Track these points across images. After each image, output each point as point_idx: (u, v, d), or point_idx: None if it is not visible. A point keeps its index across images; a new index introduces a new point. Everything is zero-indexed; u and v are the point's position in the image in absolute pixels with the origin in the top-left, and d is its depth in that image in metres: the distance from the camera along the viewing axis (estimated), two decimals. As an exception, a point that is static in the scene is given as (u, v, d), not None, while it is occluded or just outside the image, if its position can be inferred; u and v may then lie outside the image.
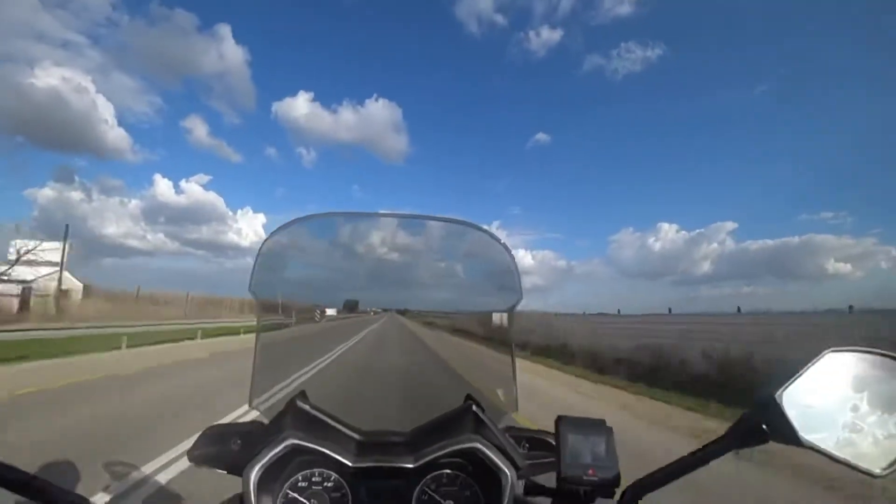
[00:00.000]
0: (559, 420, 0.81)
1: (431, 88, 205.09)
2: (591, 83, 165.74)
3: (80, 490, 0.70)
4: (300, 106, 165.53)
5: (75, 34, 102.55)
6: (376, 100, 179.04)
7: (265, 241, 1.04)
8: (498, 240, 1.07)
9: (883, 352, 0.77)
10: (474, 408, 0.90)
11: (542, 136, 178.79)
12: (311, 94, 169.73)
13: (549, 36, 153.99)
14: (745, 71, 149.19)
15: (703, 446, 0.70)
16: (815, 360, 0.71)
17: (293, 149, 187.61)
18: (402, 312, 2.24)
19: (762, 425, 0.66)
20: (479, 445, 0.82)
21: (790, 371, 0.70)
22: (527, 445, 0.92)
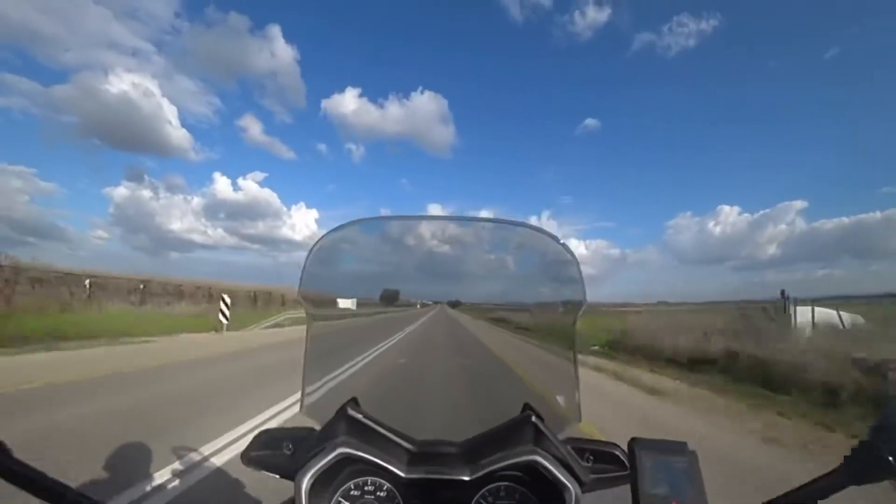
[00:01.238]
0: (633, 442, 0.74)
1: (476, 77, 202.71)
2: (642, 63, 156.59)
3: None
4: (348, 102, 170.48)
5: (143, 41, 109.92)
6: (421, 92, 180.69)
7: (316, 242, 1.04)
8: (557, 240, 1.02)
9: None
10: (533, 418, 0.84)
11: (590, 122, 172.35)
12: (359, 90, 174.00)
13: (595, 16, 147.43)
14: (813, 37, 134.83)
15: (815, 479, 0.61)
16: None
17: (343, 144, 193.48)
18: (454, 305, 2.13)
19: (888, 456, 0.55)
20: (539, 458, 0.77)
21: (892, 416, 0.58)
22: (591, 458, 0.86)
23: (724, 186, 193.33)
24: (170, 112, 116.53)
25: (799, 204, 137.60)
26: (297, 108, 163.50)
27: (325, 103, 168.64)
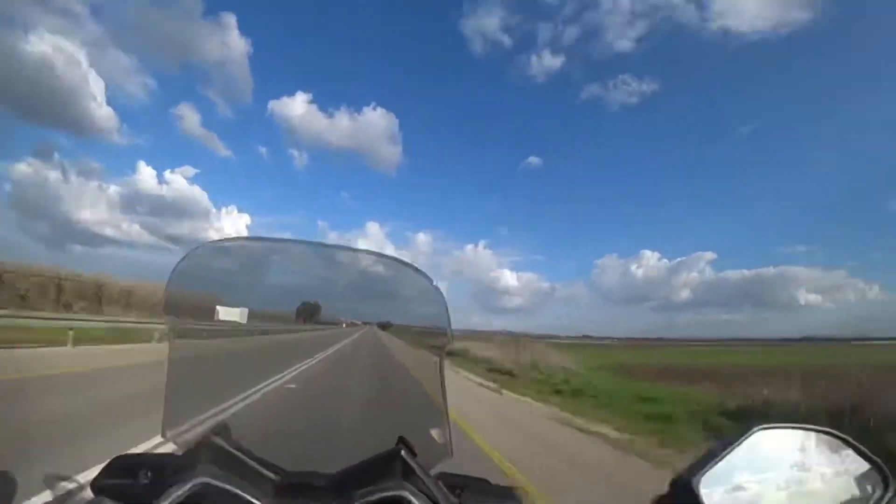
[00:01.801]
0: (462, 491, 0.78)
1: (430, 102, 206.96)
2: (587, 112, 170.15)
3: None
4: (297, 106, 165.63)
5: (77, 3, 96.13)
6: (374, 108, 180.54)
7: (182, 259, 0.99)
8: (431, 280, 1.06)
9: (816, 427, 0.75)
10: (403, 452, 0.83)
11: (534, 160, 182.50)
12: (310, 96, 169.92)
13: (551, 62, 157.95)
14: (731, 112, 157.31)
15: None
16: (742, 438, 0.68)
17: (286, 149, 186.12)
18: (384, 326, 2.11)
19: (700, 497, 0.62)
20: (406, 494, 0.76)
21: (716, 451, 0.66)
22: (460, 492, 0.87)
23: (648, 233, 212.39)
24: (96, 86, 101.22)
25: (710, 255, 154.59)
26: (242, 104, 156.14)
27: (272, 104, 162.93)
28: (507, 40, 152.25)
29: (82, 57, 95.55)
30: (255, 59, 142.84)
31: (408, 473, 0.81)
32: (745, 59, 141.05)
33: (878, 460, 0.74)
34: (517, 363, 17.48)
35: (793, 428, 0.74)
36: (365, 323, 2.21)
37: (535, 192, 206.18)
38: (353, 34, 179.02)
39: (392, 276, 1.17)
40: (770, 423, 0.71)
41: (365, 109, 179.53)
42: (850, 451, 0.75)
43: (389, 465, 0.83)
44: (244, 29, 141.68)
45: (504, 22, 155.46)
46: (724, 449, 0.67)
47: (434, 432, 1.10)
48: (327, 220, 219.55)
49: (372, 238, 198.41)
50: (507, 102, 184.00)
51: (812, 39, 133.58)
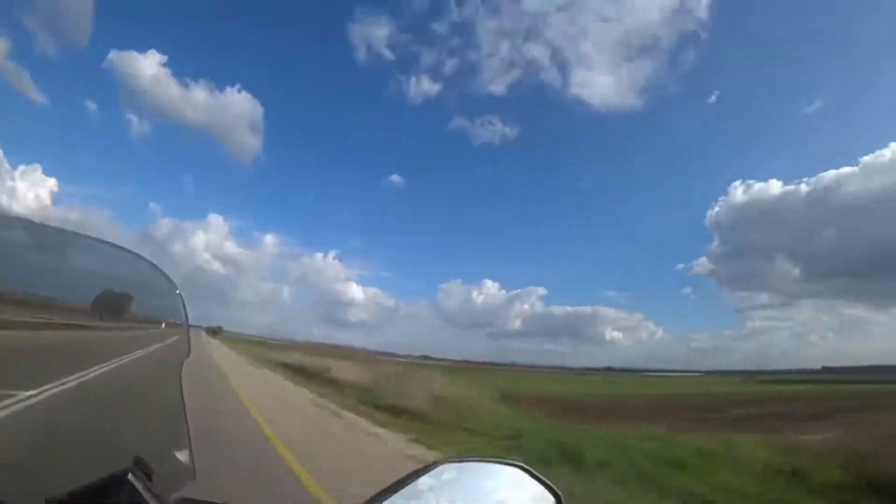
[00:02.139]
0: None
1: (302, 99, 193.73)
2: (453, 141, 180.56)
3: None
4: (148, 64, 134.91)
5: None
6: (239, 91, 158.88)
7: None
8: (175, 286, 1.10)
9: (499, 459, 0.87)
10: (131, 476, 0.77)
11: (396, 178, 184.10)
12: (165, 57, 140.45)
13: (428, 87, 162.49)
14: (572, 168, 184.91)
15: None
16: (425, 470, 0.77)
17: (123, 112, 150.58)
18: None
19: None
20: None
21: (404, 481, 0.74)
22: None
23: (492, 264, 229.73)
24: None
25: (541, 290, 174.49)
26: (75, 45, 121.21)
27: (114, 55, 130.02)
28: (390, 56, 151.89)
29: None
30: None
31: (135, 499, 0.75)
32: (591, 125, 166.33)
33: (552, 485, 0.86)
34: (406, 395, 12.92)
35: (477, 461, 0.86)
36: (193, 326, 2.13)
37: (392, 209, 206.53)
38: (236, 4, 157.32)
39: (129, 273, 1.15)
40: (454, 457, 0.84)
41: (229, 89, 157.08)
42: (530, 479, 0.87)
43: (116, 489, 0.76)
44: None
45: (391, 38, 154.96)
46: (409, 480, 0.75)
47: (178, 453, 1.08)
48: (161, 202, 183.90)
49: (213, 231, 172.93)
50: (379, 116, 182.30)
51: (641, 120, 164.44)
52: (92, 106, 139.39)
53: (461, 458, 0.77)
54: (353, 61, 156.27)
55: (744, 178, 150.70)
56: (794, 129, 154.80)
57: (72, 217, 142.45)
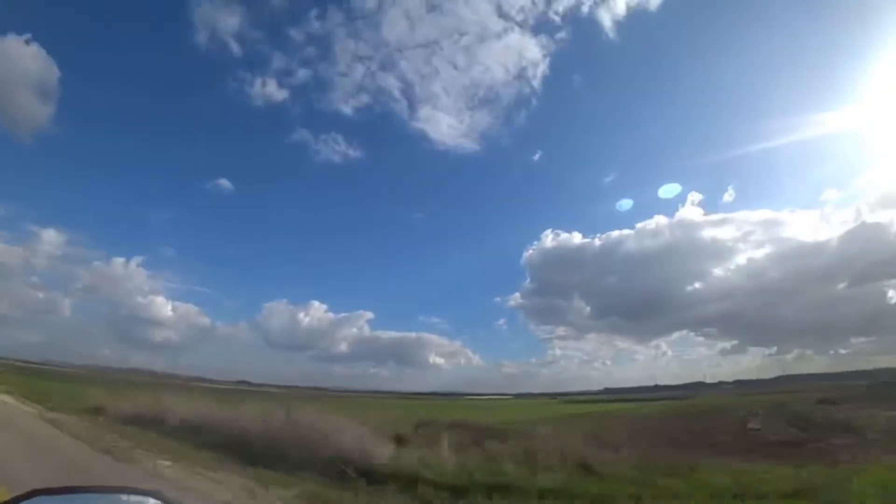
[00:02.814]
0: None
1: (116, 69, 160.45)
2: (294, 153, 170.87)
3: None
4: None
5: None
6: (27, 42, 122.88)
7: None
8: None
9: (88, 487, 0.96)
10: None
11: (225, 183, 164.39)
12: None
13: (274, 91, 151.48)
14: (409, 199, 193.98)
15: None
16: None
17: None
18: None
19: None
20: None
21: None
22: None
23: (320, 285, 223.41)
24: None
25: (369, 314, 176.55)
26: None
27: None
28: (236, 49, 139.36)
29: None
30: None
31: None
32: (431, 160, 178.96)
33: None
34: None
35: (66, 491, 0.82)
36: None
37: (216, 218, 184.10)
38: None
39: None
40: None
41: (12, 36, 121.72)
42: None
43: None
44: None
45: (240, 30, 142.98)
46: None
47: None
48: None
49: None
50: (212, 111, 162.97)
51: (477, 164, 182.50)
52: None
53: (69, 487, 0.55)
54: (193, 44, 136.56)
55: (553, 227, 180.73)
56: (594, 193, 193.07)
57: None
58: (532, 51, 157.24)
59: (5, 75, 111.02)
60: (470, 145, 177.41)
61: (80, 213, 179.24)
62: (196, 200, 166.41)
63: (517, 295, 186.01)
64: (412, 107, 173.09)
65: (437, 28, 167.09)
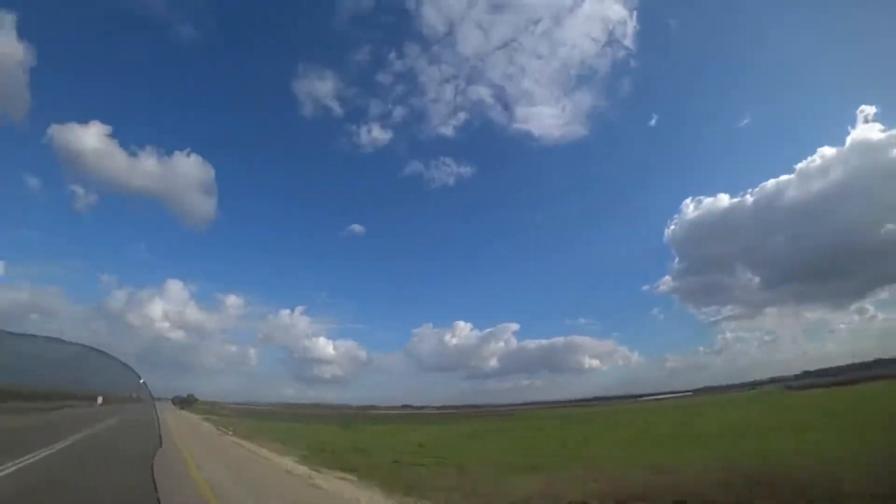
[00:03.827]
0: None
1: (253, 158, 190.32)
2: (410, 186, 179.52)
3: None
4: (89, 137, 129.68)
5: None
6: (188, 155, 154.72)
7: None
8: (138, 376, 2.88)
9: None
10: None
11: (357, 227, 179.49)
12: (109, 128, 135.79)
13: (379, 135, 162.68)
14: (528, 201, 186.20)
15: None
16: None
17: (66, 185, 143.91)
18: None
19: None
20: None
21: None
22: None
23: (461, 305, 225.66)
24: None
25: (514, 325, 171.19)
26: (10, 119, 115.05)
27: (55, 129, 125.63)
28: (338, 108, 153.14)
29: None
30: (39, 71, 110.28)
31: None
32: (541, 157, 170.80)
33: None
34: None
35: None
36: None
37: (356, 260, 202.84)
38: (171, 63, 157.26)
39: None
40: None
41: (178, 154, 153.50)
42: None
43: None
44: (27, 32, 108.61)
45: (337, 91, 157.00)
46: None
47: None
48: (117, 274, 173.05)
49: (172, 297, 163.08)
50: (333, 168, 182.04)
51: (588, 148, 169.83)
52: (34, 181, 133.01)
53: None
54: (301, 117, 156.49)
55: (693, 194, 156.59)
56: (730, 144, 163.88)
57: (22, 297, 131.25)
58: (614, 9, 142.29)
59: (180, 183, 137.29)
60: (577, 130, 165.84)
61: (249, 277, 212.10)
62: (337, 247, 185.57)
63: (667, 278, 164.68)
64: (509, 110, 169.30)
65: (509, 26, 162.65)
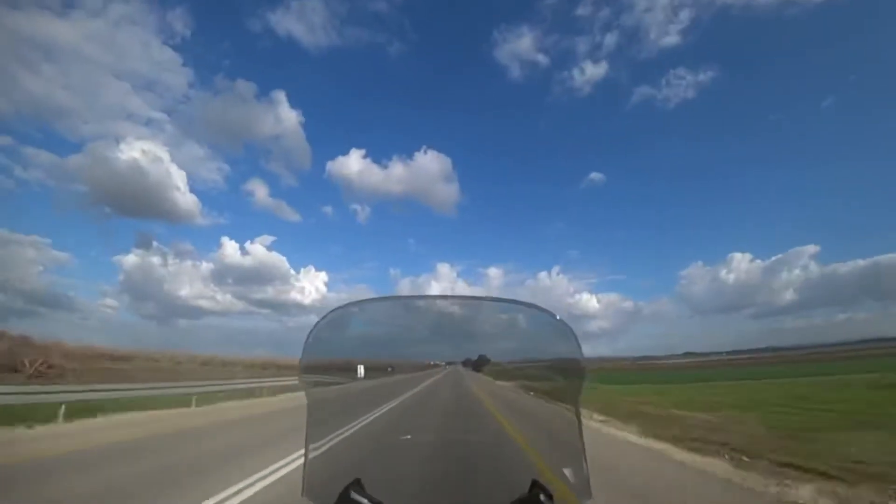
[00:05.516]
0: None
1: (478, 136, 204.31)
2: (642, 116, 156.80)
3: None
4: (352, 163, 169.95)
5: (157, 111, 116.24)
6: (425, 152, 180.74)
7: (320, 319, 1.21)
8: (554, 315, 1.13)
9: None
10: (542, 497, 0.86)
11: (595, 176, 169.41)
12: (363, 151, 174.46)
13: (593, 71, 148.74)
14: (806, 86, 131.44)
15: None
16: None
17: (348, 206, 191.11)
18: (479, 366, 2.98)
19: None
20: None
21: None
22: None
23: (734, 235, 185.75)
24: (178, 178, 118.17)
25: (811, 248, 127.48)
26: (302, 170, 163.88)
27: (329, 165, 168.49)
28: (543, 59, 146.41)
29: (164, 154, 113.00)
30: (307, 126, 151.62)
31: None
32: (812, 24, 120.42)
33: None
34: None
35: None
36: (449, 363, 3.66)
37: (602, 209, 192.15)
38: (393, 84, 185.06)
39: (513, 318, 1.31)
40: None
41: (416, 154, 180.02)
42: None
43: None
44: (294, 101, 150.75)
45: (537, 42, 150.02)
46: None
47: (568, 472, 1.11)
48: (398, 267, 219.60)
49: (444, 279, 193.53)
50: (555, 122, 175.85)
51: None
52: (328, 209, 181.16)
53: None
54: (511, 81, 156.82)
55: None
56: None
57: (342, 296, 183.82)
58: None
59: (427, 178, 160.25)
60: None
61: (503, 250, 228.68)
62: (579, 201, 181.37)
63: None
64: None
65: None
